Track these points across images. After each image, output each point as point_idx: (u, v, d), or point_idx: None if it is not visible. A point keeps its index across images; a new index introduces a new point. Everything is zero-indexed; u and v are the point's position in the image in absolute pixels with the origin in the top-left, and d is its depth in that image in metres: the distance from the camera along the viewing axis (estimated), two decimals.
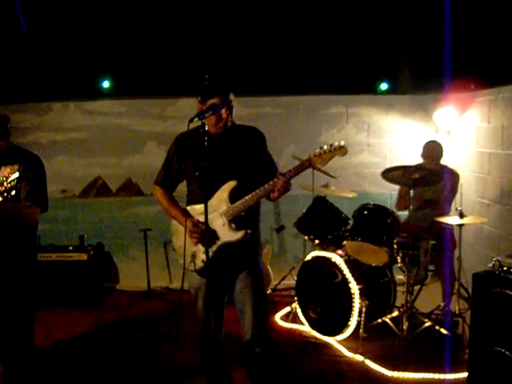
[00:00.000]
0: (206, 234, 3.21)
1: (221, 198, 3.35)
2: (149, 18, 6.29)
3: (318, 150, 3.22)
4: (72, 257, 6.45)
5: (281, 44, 6.40)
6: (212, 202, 3.30)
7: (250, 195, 3.29)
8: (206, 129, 3.07)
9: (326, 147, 3.20)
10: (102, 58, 6.53)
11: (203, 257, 3.35)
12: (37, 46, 6.42)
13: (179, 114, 6.78)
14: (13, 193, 3.07)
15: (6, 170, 3.42)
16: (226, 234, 3.34)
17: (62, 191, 7.12)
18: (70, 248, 6.56)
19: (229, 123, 3.37)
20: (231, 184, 3.34)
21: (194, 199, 3.47)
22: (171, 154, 3.56)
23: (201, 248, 3.36)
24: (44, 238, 6.63)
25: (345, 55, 6.62)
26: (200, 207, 3.30)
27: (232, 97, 3.37)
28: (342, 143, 3.20)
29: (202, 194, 3.28)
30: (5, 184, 2.97)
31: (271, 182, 3.25)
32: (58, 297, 6.35)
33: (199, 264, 3.41)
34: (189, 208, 3.49)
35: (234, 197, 3.34)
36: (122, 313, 6.15)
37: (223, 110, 3.29)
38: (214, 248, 3.35)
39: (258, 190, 3.28)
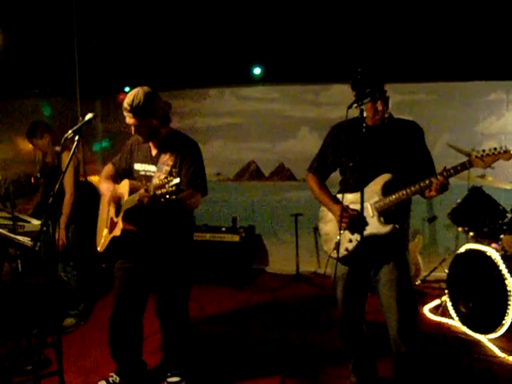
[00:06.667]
0: (356, 220, 3.29)
1: (373, 190, 3.36)
2: (301, 6, 6.34)
3: (480, 152, 3.10)
4: (225, 237, 6.73)
5: (436, 29, 6.17)
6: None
7: (404, 190, 3.26)
8: (364, 115, 3.14)
9: (487, 150, 3.09)
10: (254, 45, 6.68)
11: (347, 245, 3.42)
12: (195, 36, 6.73)
13: (333, 101, 6.80)
14: (173, 197, 3.10)
15: (165, 157, 3.62)
16: (375, 225, 3.35)
17: (216, 174, 7.44)
18: (223, 229, 6.85)
19: (385, 115, 3.38)
20: (386, 177, 3.34)
21: (346, 188, 3.50)
22: (327, 143, 3.64)
23: (346, 236, 3.41)
24: (199, 218, 6.96)
25: (506, 37, 6.24)
26: (352, 196, 3.42)
27: (386, 88, 3.34)
28: (508, 147, 3.06)
29: (355, 184, 3.36)
30: (166, 186, 3.05)
31: (427, 181, 3.19)
32: (210, 275, 6.68)
33: (342, 252, 3.44)
34: (339, 196, 3.54)
35: (386, 190, 3.33)
36: (271, 294, 6.32)
37: (378, 103, 3.30)
38: (359, 238, 3.34)
39: (412, 186, 3.24)
